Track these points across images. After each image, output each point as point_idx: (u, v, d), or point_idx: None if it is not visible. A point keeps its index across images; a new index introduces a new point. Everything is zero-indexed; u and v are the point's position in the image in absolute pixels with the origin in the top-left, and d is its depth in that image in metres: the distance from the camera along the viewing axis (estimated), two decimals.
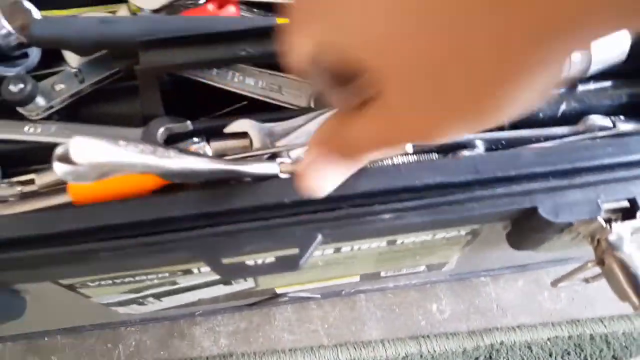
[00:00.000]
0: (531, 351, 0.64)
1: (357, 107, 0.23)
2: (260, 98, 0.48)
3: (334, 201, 0.37)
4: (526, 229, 0.41)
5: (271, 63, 0.46)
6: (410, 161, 0.42)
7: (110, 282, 0.41)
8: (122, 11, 0.48)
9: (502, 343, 0.64)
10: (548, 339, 0.64)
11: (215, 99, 0.49)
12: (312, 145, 0.26)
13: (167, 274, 0.42)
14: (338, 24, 0.19)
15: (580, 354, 0.63)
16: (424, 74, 0.18)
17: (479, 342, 0.64)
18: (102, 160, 0.27)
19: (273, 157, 0.44)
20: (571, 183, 0.38)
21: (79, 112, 0.47)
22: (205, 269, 0.41)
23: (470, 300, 0.67)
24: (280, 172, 0.39)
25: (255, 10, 0.50)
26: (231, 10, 0.46)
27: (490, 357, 0.63)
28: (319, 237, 0.36)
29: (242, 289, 0.49)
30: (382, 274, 0.54)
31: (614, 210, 0.39)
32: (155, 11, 0.47)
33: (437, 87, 0.18)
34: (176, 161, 0.32)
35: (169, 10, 0.48)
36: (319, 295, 0.58)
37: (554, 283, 0.46)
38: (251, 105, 0.49)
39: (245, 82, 0.48)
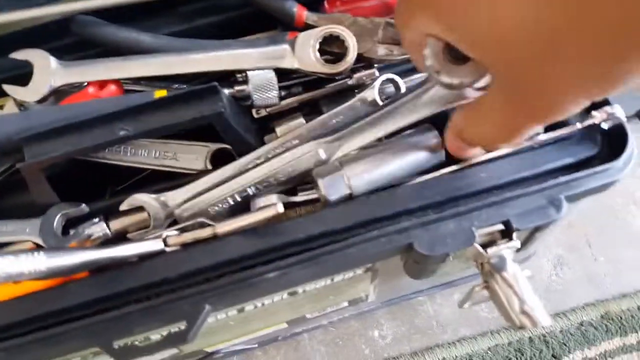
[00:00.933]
0: None
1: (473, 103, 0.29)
2: (156, 168, 0.49)
3: (218, 268, 0.39)
4: (412, 262, 0.42)
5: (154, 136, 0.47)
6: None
7: None
8: (9, 105, 0.49)
9: (444, 359, 0.65)
10: (489, 349, 0.66)
11: (116, 172, 0.50)
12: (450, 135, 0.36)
13: (79, 358, 0.43)
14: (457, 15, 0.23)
15: (520, 358, 0.65)
16: (544, 50, 0.20)
17: None
18: None
19: (171, 226, 0.45)
20: (443, 215, 0.40)
21: None
22: None
23: (410, 321, 0.68)
24: (166, 246, 0.41)
25: (142, 82, 0.51)
26: (112, 89, 0.47)
27: None
28: (207, 307, 0.37)
29: (163, 357, 0.50)
30: (308, 316, 0.56)
31: (492, 234, 0.41)
32: (40, 101, 0.48)
33: (559, 60, 0.20)
34: (45, 263, 0.33)
35: (56, 97, 0.49)
36: (256, 345, 0.59)
37: (460, 304, 0.48)
38: (153, 173, 0.50)
39: (139, 154, 0.49)
